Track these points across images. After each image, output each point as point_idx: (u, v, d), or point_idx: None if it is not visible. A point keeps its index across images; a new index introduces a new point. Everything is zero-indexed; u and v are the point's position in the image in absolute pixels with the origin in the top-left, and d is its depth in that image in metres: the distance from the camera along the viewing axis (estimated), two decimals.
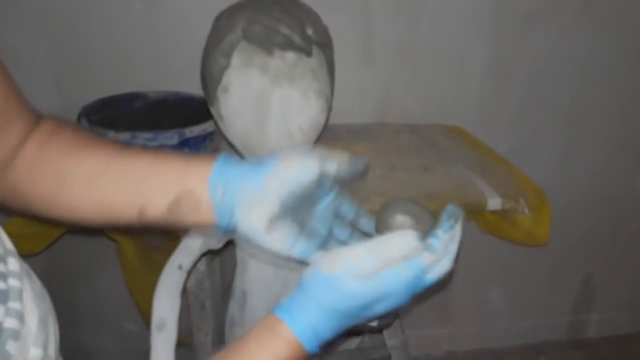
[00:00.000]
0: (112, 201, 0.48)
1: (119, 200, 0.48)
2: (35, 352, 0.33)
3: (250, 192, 0.46)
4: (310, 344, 0.42)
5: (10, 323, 0.32)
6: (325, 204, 0.50)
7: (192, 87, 1.04)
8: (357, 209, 0.52)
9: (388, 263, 0.43)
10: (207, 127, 0.98)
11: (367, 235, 0.51)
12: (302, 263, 0.47)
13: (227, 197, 0.46)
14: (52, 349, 0.36)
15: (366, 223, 0.52)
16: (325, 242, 0.49)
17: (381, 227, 0.47)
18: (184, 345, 0.78)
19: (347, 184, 0.49)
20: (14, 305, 0.32)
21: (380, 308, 0.45)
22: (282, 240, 0.46)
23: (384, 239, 0.43)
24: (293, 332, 0.42)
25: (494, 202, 0.98)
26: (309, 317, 0.42)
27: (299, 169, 0.46)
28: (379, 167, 1.06)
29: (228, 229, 0.47)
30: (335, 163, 0.47)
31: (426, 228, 0.47)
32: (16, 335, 0.32)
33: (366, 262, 0.42)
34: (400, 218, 0.46)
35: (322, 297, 0.42)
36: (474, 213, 1.05)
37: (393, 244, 0.43)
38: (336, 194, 0.50)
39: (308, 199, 0.48)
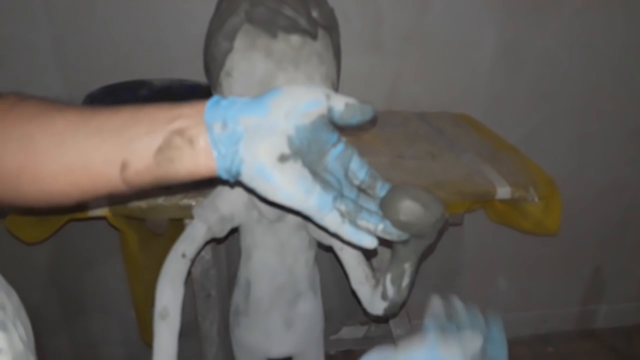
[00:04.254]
0: (88, 160, 0.41)
1: (96, 158, 0.40)
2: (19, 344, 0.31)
3: (254, 124, 0.40)
4: None
5: None
6: (335, 154, 0.46)
7: (197, 74, 1.03)
8: (367, 168, 0.49)
9: None
10: None
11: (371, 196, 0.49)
12: (314, 223, 0.43)
13: (227, 131, 0.40)
14: (30, 340, 0.34)
15: (380, 187, 0.49)
16: (338, 199, 0.43)
17: (388, 212, 0.45)
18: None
19: (354, 131, 0.48)
20: None
21: None
22: (296, 183, 0.40)
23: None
24: None
25: (504, 191, 0.96)
26: None
27: (305, 97, 0.41)
28: (386, 154, 1.04)
29: (231, 172, 0.41)
30: (343, 100, 0.43)
31: (435, 216, 0.46)
32: (3, 325, 0.29)
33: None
34: (409, 204, 0.45)
35: None
36: (483, 202, 1.03)
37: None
38: (345, 145, 0.46)
39: (317, 143, 0.43)
